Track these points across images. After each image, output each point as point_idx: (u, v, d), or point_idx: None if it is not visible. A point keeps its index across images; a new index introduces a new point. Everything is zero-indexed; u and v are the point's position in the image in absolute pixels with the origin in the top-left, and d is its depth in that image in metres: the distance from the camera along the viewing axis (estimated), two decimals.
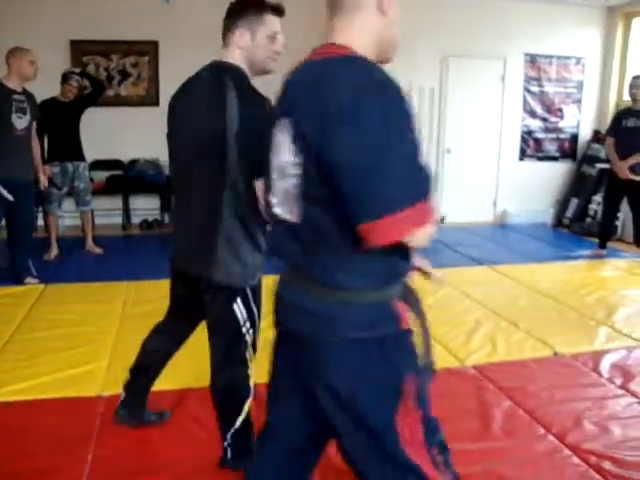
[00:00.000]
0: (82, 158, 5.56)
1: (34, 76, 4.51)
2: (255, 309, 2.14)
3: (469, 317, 4.02)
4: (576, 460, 2.41)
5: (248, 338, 2.13)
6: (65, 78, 5.42)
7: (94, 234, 5.94)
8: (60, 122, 5.38)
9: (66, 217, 6.89)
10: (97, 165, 7.03)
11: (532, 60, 7.52)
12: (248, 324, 2.11)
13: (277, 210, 1.38)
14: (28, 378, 3.03)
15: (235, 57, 2.00)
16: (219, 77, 1.94)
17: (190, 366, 2.87)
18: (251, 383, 2.20)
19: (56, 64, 6.75)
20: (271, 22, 1.99)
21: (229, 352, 2.15)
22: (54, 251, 5.57)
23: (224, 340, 2.15)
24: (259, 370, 2.14)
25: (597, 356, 3.46)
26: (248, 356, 2.16)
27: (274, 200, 1.39)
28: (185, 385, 2.90)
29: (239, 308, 2.09)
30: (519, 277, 5.04)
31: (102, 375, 3.06)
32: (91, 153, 6.94)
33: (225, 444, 2.23)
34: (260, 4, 1.97)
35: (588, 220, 7.38)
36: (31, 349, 3.40)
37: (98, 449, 2.43)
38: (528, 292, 4.66)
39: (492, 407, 2.83)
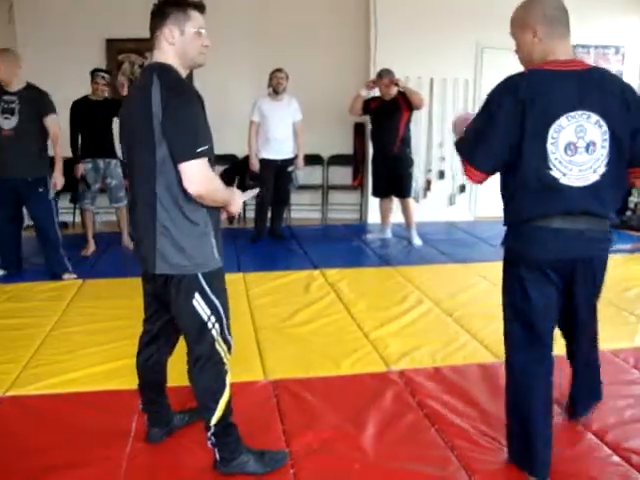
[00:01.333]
0: (114, 155, 5.59)
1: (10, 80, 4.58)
2: (218, 302, 2.13)
3: None
4: (616, 459, 2.36)
5: (215, 333, 2.13)
6: (92, 76, 5.50)
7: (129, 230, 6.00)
8: (92, 120, 5.47)
9: (101, 213, 7.00)
10: None
11: None
12: (213, 318, 2.11)
13: (564, 181, 2.01)
14: (67, 371, 3.09)
15: (167, 55, 2.05)
16: (147, 75, 2.01)
17: (244, 360, 2.88)
18: (227, 380, 2.19)
19: (92, 62, 6.85)
20: (196, 18, 2.06)
21: (198, 349, 2.15)
22: (91, 247, 5.68)
23: (192, 337, 2.16)
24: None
25: (638, 352, 3.38)
26: (221, 352, 2.16)
27: (558, 174, 2.00)
28: (237, 379, 2.89)
29: (199, 303, 2.09)
30: None
31: None
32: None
33: (209, 443, 2.23)
34: (185, 2, 2.05)
35: (628, 213, 7.20)
36: (70, 343, 3.47)
37: (136, 442, 2.47)
38: None
39: None
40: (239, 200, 2.18)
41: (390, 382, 3.02)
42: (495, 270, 4.95)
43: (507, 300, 2.28)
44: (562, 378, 2.58)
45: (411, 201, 6.02)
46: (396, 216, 6.21)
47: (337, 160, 7.42)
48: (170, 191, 1.99)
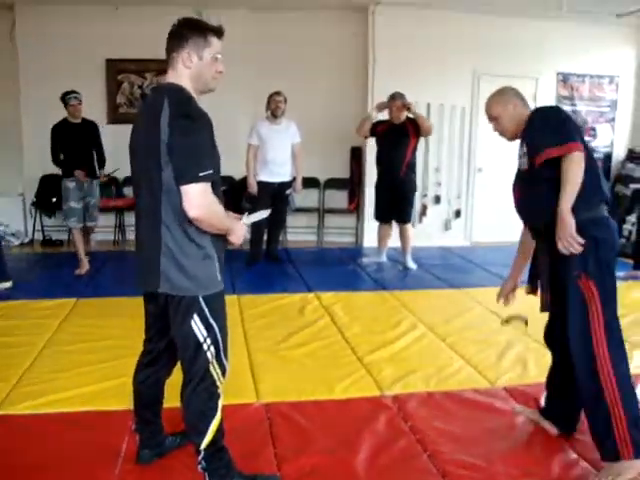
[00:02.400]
0: (95, 175, 5.77)
1: None
2: (215, 325, 2.11)
3: (500, 337, 3.96)
4: None
5: (209, 355, 2.12)
6: (64, 100, 5.56)
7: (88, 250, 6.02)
8: (72, 142, 5.60)
9: (96, 232, 7.01)
10: (129, 181, 7.13)
11: (564, 79, 7.47)
12: (209, 340, 2.10)
13: None
14: (58, 391, 3.06)
15: (181, 77, 2.08)
16: (158, 96, 2.04)
17: (237, 383, 2.87)
18: (219, 403, 2.17)
19: (92, 82, 6.95)
20: (214, 43, 2.09)
21: (191, 370, 2.14)
22: (85, 266, 5.68)
23: (187, 358, 2.14)
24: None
25: (636, 380, 3.36)
26: (214, 375, 2.14)
27: None
28: (230, 401, 2.88)
29: (196, 325, 2.08)
30: None
31: (131, 389, 3.07)
32: (123, 170, 7.07)
33: (199, 467, 2.20)
34: (204, 27, 2.09)
35: (622, 241, 7.23)
36: (62, 362, 3.44)
37: (126, 463, 2.44)
38: None
39: (520, 429, 2.78)
40: (240, 230, 2.16)
41: (383, 407, 3.00)
42: (490, 295, 4.95)
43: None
44: None
45: (410, 226, 6.03)
46: (391, 240, 6.23)
47: (333, 183, 7.45)
48: (175, 213, 1.99)
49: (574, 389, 2.53)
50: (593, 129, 7.67)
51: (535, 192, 2.54)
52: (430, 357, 3.66)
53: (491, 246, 7.04)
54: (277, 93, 5.93)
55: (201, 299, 2.08)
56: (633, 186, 7.19)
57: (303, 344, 3.84)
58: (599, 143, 7.73)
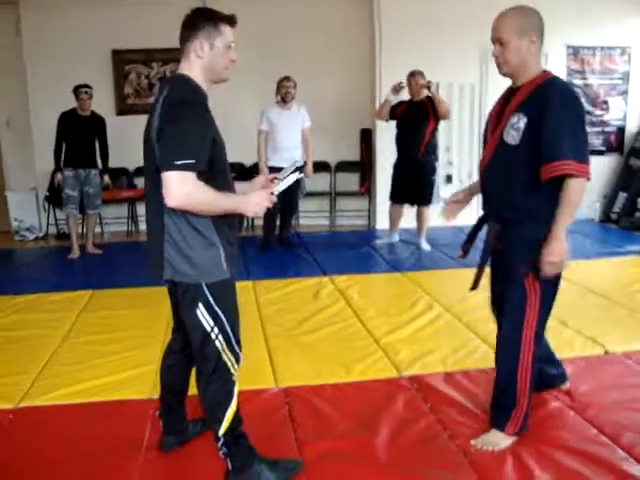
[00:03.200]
0: (94, 165, 5.94)
1: None
2: (222, 314, 2.11)
3: None
4: (632, 462, 2.34)
5: (219, 345, 2.12)
6: (76, 93, 5.72)
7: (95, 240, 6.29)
8: (78, 133, 5.78)
9: (110, 223, 7.05)
10: (140, 171, 7.13)
11: (575, 52, 7.36)
12: (216, 329, 2.10)
13: None
14: (79, 382, 3.10)
15: (193, 67, 2.06)
16: (162, 87, 2.05)
17: (255, 368, 2.88)
18: (235, 390, 2.18)
19: (99, 73, 6.95)
20: (227, 32, 2.07)
21: (203, 359, 2.15)
22: (76, 252, 5.96)
23: (197, 347, 2.15)
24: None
25: None
26: (228, 362, 2.15)
27: None
28: (248, 387, 2.89)
29: (202, 314, 2.08)
30: (566, 274, 4.82)
31: (152, 378, 3.10)
32: (134, 160, 7.09)
33: (221, 453, 2.21)
34: (216, 16, 2.06)
35: (637, 214, 7.17)
36: (81, 353, 3.48)
37: (149, 452, 2.47)
38: (576, 289, 4.55)
39: (540, 408, 2.77)
40: (257, 203, 2.06)
41: (402, 388, 3.01)
42: None
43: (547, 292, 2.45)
44: None
45: (427, 208, 5.97)
46: (403, 221, 6.21)
47: (344, 166, 7.43)
48: None
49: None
50: (605, 102, 7.57)
51: (519, 179, 2.32)
52: (447, 337, 3.65)
53: None
54: (286, 78, 5.90)
55: (205, 288, 2.07)
56: None
57: (319, 328, 3.85)
58: (612, 116, 7.62)
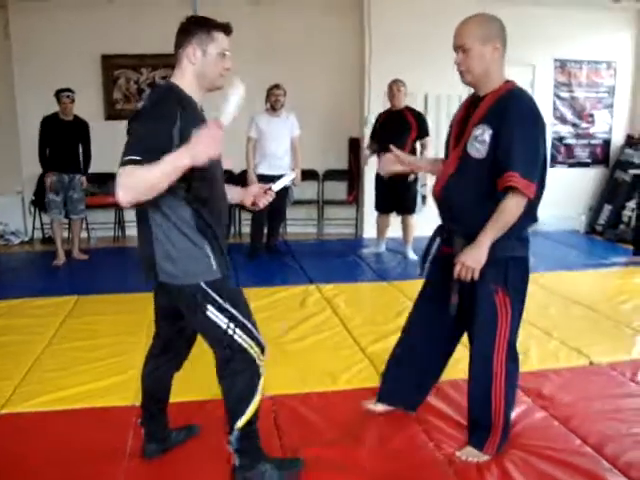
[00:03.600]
0: (79, 170, 5.87)
1: None
2: (233, 309, 2.11)
3: None
4: (616, 473, 2.35)
5: (238, 338, 2.12)
6: (58, 97, 5.67)
7: (81, 246, 6.24)
8: (61, 138, 5.71)
9: (97, 229, 7.01)
10: None
11: (562, 65, 7.44)
12: (232, 325, 2.10)
13: None
14: (62, 388, 3.07)
15: (185, 74, 2.07)
16: (147, 94, 2.06)
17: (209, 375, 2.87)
18: (260, 383, 2.18)
19: (88, 79, 6.93)
20: (220, 40, 2.07)
21: (226, 356, 2.14)
22: (62, 258, 5.89)
23: (217, 347, 2.15)
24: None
25: (635, 365, 3.38)
26: (254, 354, 2.15)
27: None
28: (209, 396, 2.87)
29: (214, 314, 2.08)
30: (552, 285, 4.96)
31: (135, 385, 3.05)
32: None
33: (230, 448, 2.20)
34: (210, 23, 2.06)
35: (622, 227, 7.24)
36: (65, 360, 3.45)
37: (132, 459, 2.44)
38: (561, 300, 4.58)
39: (526, 418, 2.78)
40: (204, 139, 1.82)
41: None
42: None
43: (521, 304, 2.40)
44: None
45: (412, 217, 6.00)
46: (390, 231, 6.22)
47: (332, 175, 7.44)
48: (157, 204, 1.99)
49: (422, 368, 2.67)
50: (591, 115, 7.65)
51: (485, 193, 2.25)
52: None
53: None
54: (276, 86, 5.91)
55: (207, 288, 2.07)
56: (632, 172, 7.18)
57: (306, 336, 3.84)
58: (597, 129, 7.71)
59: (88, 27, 6.78)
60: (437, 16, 6.78)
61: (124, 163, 1.81)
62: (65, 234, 6.24)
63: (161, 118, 1.93)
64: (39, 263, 6.10)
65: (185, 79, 2.06)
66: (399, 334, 3.83)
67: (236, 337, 2.11)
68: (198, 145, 1.80)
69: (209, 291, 2.07)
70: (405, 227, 6.03)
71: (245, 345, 2.13)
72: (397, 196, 5.90)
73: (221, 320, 2.09)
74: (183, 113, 1.95)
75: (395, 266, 5.81)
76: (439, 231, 2.51)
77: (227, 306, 2.10)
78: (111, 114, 7.07)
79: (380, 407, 2.78)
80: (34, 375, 3.24)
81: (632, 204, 7.06)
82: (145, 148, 1.84)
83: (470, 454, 2.45)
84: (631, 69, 7.65)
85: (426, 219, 6.90)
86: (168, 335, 2.33)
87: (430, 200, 7.12)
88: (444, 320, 2.49)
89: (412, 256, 5.98)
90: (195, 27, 2.04)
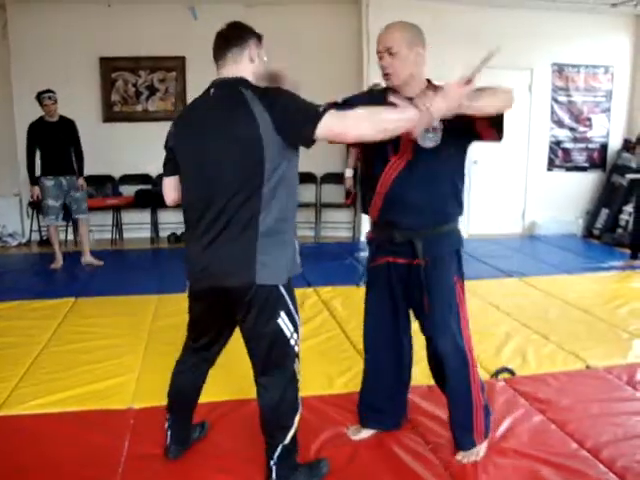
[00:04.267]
0: (74, 172, 5.77)
1: None
2: (297, 318, 2.13)
3: (498, 329, 3.98)
4: (612, 477, 2.35)
5: (297, 348, 2.14)
6: (40, 100, 5.58)
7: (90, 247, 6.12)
8: (51, 140, 5.63)
9: (94, 231, 7.00)
10: (126, 179, 7.15)
11: (560, 70, 7.46)
12: (295, 334, 2.11)
13: None
14: (59, 390, 3.06)
15: (244, 72, 2.10)
16: (233, 90, 2.06)
17: (225, 378, 2.87)
18: (300, 396, 2.19)
19: (86, 81, 6.93)
20: (263, 48, 2.19)
21: (280, 368, 2.12)
22: (60, 261, 5.85)
23: (273, 355, 2.11)
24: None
25: (632, 369, 3.39)
26: (297, 369, 2.16)
27: None
28: (218, 397, 2.89)
29: (284, 321, 2.07)
30: (549, 289, 4.97)
31: (133, 387, 3.08)
32: (120, 168, 7.08)
33: (271, 463, 2.18)
34: (256, 31, 2.19)
35: (619, 231, 7.26)
36: (62, 362, 3.44)
37: (129, 461, 2.44)
38: (558, 304, 4.59)
39: (523, 421, 2.78)
40: (452, 94, 2.03)
41: None
42: (487, 287, 4.98)
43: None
44: None
45: None
46: None
47: (330, 178, 7.45)
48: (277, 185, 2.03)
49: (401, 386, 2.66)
50: (589, 119, 7.67)
51: (442, 184, 2.32)
52: None
53: (488, 238, 7.06)
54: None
55: (283, 290, 2.07)
56: (629, 176, 7.19)
57: (303, 339, 3.76)
58: (595, 133, 7.73)
59: (86, 29, 6.80)
60: (435, 17, 6.81)
61: (324, 112, 1.94)
62: (62, 237, 6.24)
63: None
64: (37, 265, 6.10)
65: (247, 76, 2.10)
66: None
67: (296, 348, 2.13)
68: (446, 97, 2.00)
69: (284, 294, 2.07)
70: None
71: (298, 356, 2.15)
72: None
73: (288, 329, 2.09)
74: None
75: None
76: (372, 241, 2.58)
77: (294, 312, 2.11)
78: (109, 116, 7.08)
79: (364, 433, 2.68)
80: (31, 377, 3.24)
81: (629, 208, 7.08)
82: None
83: (467, 455, 2.46)
84: (628, 73, 7.68)
85: None
86: (204, 342, 2.29)
87: None
88: (395, 324, 2.54)
89: None
90: (249, 31, 2.14)
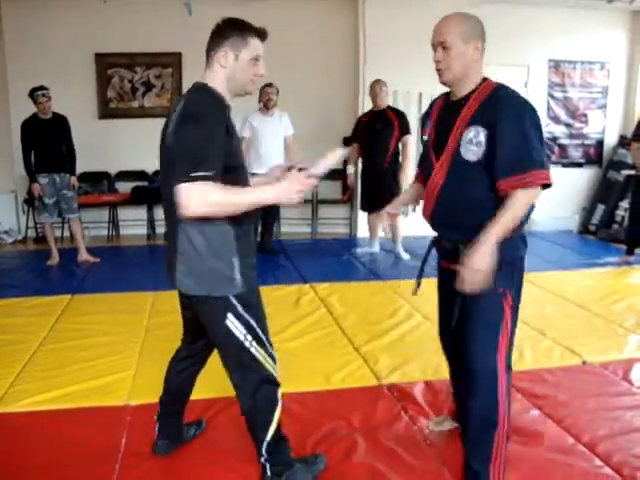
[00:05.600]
0: (67, 170, 5.72)
1: None
2: (252, 321, 2.08)
3: None
4: (608, 471, 2.36)
5: (254, 351, 2.08)
6: (33, 97, 5.53)
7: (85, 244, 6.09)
8: (44, 137, 5.58)
9: (90, 228, 6.99)
10: (122, 176, 7.14)
11: (556, 66, 7.46)
12: (250, 337, 2.07)
13: None
14: (56, 388, 3.06)
15: (216, 76, 2.02)
16: (182, 96, 2.03)
17: (221, 375, 2.86)
18: (278, 394, 2.17)
19: (82, 77, 6.91)
20: (254, 45, 2.01)
21: (241, 368, 2.11)
22: (56, 258, 5.84)
23: (232, 357, 2.11)
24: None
25: (627, 364, 3.40)
26: (269, 367, 2.13)
27: None
28: (216, 394, 2.88)
29: (233, 323, 2.04)
30: (545, 284, 4.98)
31: (129, 384, 3.08)
32: (116, 164, 7.06)
33: (262, 460, 2.19)
34: (245, 27, 2.00)
35: (615, 226, 7.27)
36: (58, 359, 3.44)
37: (126, 458, 2.44)
38: (555, 300, 4.60)
39: (520, 416, 2.79)
40: (291, 186, 1.96)
41: (381, 396, 3.01)
42: None
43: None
44: None
45: (398, 217, 6.03)
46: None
47: (326, 175, 7.39)
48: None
49: None
50: (585, 115, 7.68)
51: (484, 196, 2.09)
52: (426, 346, 3.66)
53: None
54: (269, 85, 5.91)
55: (231, 296, 2.03)
56: (625, 172, 7.21)
57: (300, 335, 3.84)
58: (591, 129, 7.74)
59: (82, 25, 6.77)
60: (432, 16, 6.80)
61: (196, 178, 1.79)
62: (58, 233, 6.22)
63: (216, 122, 1.90)
64: (33, 262, 6.07)
65: (216, 82, 2.01)
66: (393, 333, 3.88)
67: (253, 350, 2.09)
68: (287, 190, 1.94)
69: (233, 300, 2.04)
70: (391, 226, 6.03)
71: (261, 358, 2.11)
72: (380, 195, 5.92)
73: (239, 331, 2.06)
74: (227, 114, 1.98)
75: (389, 265, 5.82)
76: (434, 244, 2.42)
77: (247, 316, 2.07)
78: (105, 113, 7.06)
79: (447, 425, 2.65)
80: (28, 375, 3.23)
81: (625, 204, 7.09)
82: (211, 159, 1.84)
83: None
84: (624, 69, 7.68)
85: (419, 219, 7.00)
86: (197, 343, 2.32)
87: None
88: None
89: (403, 255, 6.00)
90: (230, 30, 1.99)
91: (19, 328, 3.94)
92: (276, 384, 2.16)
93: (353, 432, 2.66)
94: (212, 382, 2.70)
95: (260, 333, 2.10)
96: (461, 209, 2.16)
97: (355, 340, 3.76)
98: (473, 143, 2.07)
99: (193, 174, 1.80)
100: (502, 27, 6.82)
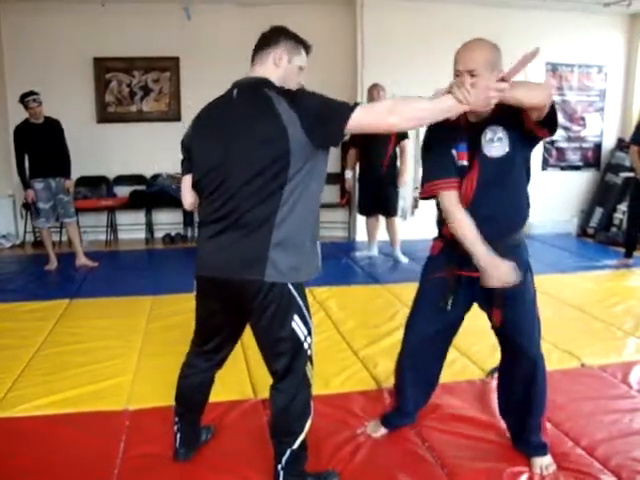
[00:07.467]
0: (62, 174, 5.70)
1: None
2: (310, 320, 2.09)
3: None
4: (607, 475, 2.36)
5: (310, 352, 2.10)
6: (24, 103, 5.50)
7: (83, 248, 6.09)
8: (38, 142, 5.55)
9: (88, 232, 6.98)
10: (120, 180, 7.14)
11: (553, 69, 7.48)
12: (309, 338, 2.08)
13: None
14: (54, 392, 3.05)
15: (272, 74, 2.07)
16: (268, 97, 1.98)
17: (224, 379, 2.85)
18: (312, 401, 2.16)
19: (80, 81, 6.91)
20: (303, 55, 2.14)
21: (291, 371, 2.09)
22: (54, 263, 5.82)
23: (284, 359, 2.08)
24: None
25: (626, 367, 3.40)
26: (310, 373, 2.12)
27: None
28: (219, 398, 2.84)
29: (297, 324, 2.04)
30: (544, 288, 4.92)
31: (127, 389, 3.07)
32: (114, 168, 7.06)
33: (279, 467, 2.15)
34: (297, 37, 2.14)
35: (613, 229, 7.28)
36: (57, 364, 3.43)
37: (125, 462, 2.43)
38: (553, 303, 4.59)
39: None
40: (483, 91, 2.01)
41: (380, 400, 3.01)
42: None
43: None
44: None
45: (396, 219, 6.05)
46: (382, 233, 6.24)
47: (325, 179, 7.42)
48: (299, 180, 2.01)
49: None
50: (582, 118, 7.69)
51: (516, 190, 2.31)
52: None
53: None
54: None
55: (294, 291, 2.01)
56: (623, 175, 7.22)
57: None
58: (589, 132, 7.75)
59: (80, 29, 6.78)
60: (430, 16, 6.83)
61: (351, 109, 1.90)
62: (55, 238, 6.21)
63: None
64: (31, 267, 6.07)
65: (272, 78, 2.05)
66: (392, 337, 3.87)
67: (309, 352, 2.09)
68: (479, 94, 1.96)
69: (296, 296, 2.02)
70: (390, 229, 6.07)
71: (310, 360, 2.11)
72: (379, 199, 5.95)
73: (302, 332, 2.06)
74: None
75: (388, 269, 5.83)
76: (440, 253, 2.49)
77: (307, 314, 2.07)
78: (103, 117, 7.06)
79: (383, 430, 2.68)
80: (26, 379, 3.23)
81: (623, 207, 7.10)
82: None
83: (546, 465, 2.40)
84: (622, 73, 7.70)
85: (419, 223, 7.00)
86: (213, 343, 2.27)
87: (421, 203, 7.18)
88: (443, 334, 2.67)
89: (402, 259, 6.00)
90: (285, 35, 2.10)
91: (17, 333, 3.93)
92: (311, 393, 2.15)
93: (353, 437, 2.65)
94: (214, 386, 2.69)
95: (313, 333, 2.13)
96: (500, 206, 2.31)
97: (354, 344, 3.75)
98: (495, 140, 2.18)
99: (355, 106, 1.91)
100: (499, 29, 6.84)
